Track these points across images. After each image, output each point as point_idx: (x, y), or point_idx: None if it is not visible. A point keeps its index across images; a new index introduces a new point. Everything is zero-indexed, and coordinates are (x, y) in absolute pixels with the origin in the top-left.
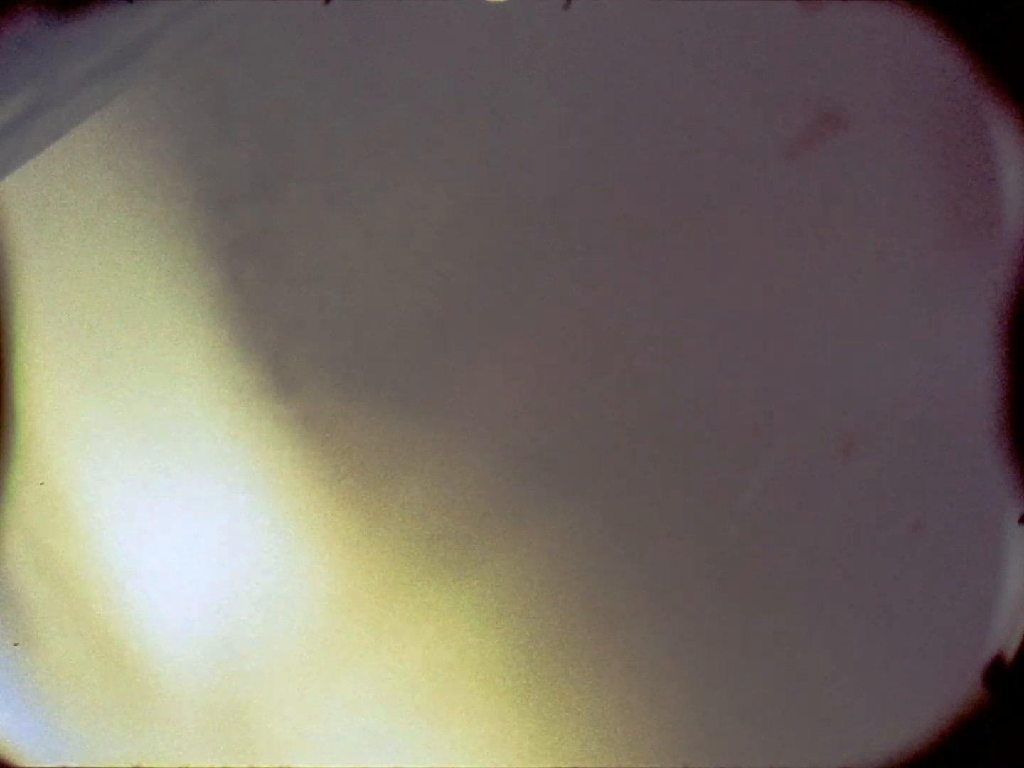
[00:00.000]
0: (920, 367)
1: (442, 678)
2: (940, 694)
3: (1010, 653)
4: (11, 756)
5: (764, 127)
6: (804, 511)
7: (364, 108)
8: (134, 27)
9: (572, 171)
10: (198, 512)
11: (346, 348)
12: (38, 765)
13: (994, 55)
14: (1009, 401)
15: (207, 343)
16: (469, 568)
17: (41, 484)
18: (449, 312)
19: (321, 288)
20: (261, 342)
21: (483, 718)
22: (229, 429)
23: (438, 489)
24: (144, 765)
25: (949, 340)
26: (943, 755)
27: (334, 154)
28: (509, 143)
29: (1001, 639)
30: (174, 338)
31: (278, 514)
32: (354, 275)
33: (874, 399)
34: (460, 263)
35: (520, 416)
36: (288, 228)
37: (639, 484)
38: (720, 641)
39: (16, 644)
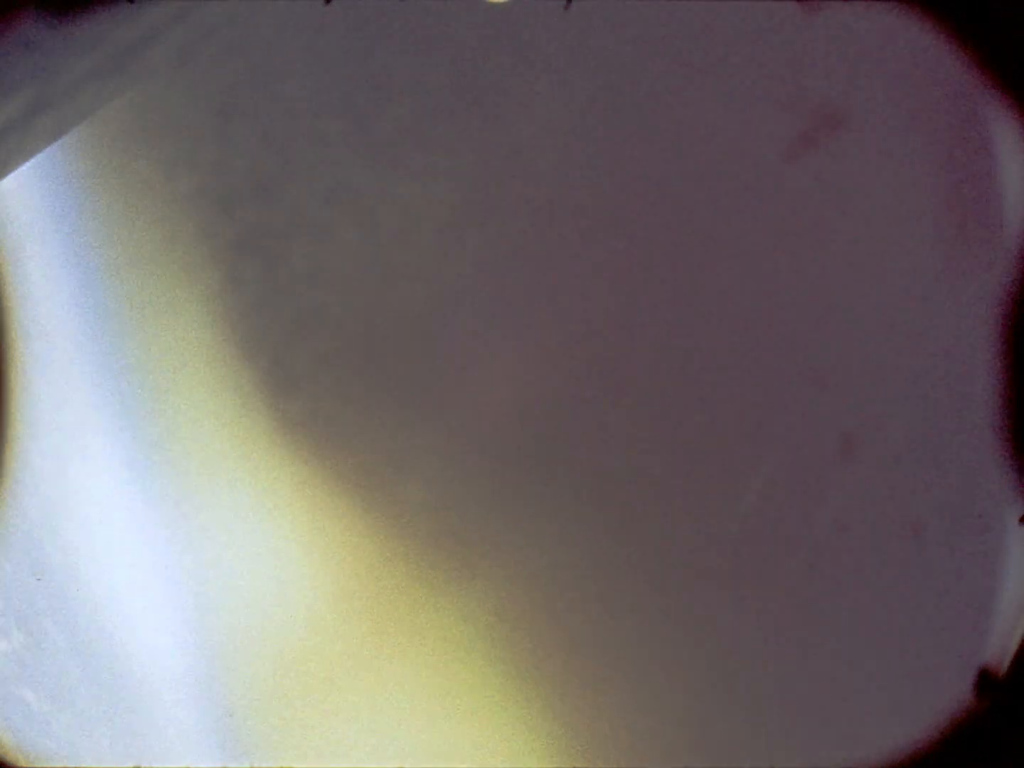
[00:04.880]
0: (920, 367)
1: (442, 677)
2: (940, 694)
3: (1010, 652)
4: (11, 756)
5: (764, 127)
6: (804, 511)
7: (364, 108)
8: (134, 27)
9: (572, 171)
10: (198, 511)
11: (346, 348)
12: (38, 765)
13: (994, 55)
14: (1009, 401)
15: (207, 343)
16: (470, 567)
17: None
18: (449, 312)
19: (321, 288)
20: (261, 342)
21: (483, 717)
22: (229, 429)
23: (438, 489)
24: (144, 765)
25: (949, 340)
26: (942, 755)
27: (334, 154)
28: (509, 143)
29: (1001, 638)
30: (174, 338)
31: (278, 513)
32: (354, 275)
33: (874, 399)
34: (460, 263)
35: (520, 416)
36: (288, 228)
37: (639, 484)
38: (720, 642)
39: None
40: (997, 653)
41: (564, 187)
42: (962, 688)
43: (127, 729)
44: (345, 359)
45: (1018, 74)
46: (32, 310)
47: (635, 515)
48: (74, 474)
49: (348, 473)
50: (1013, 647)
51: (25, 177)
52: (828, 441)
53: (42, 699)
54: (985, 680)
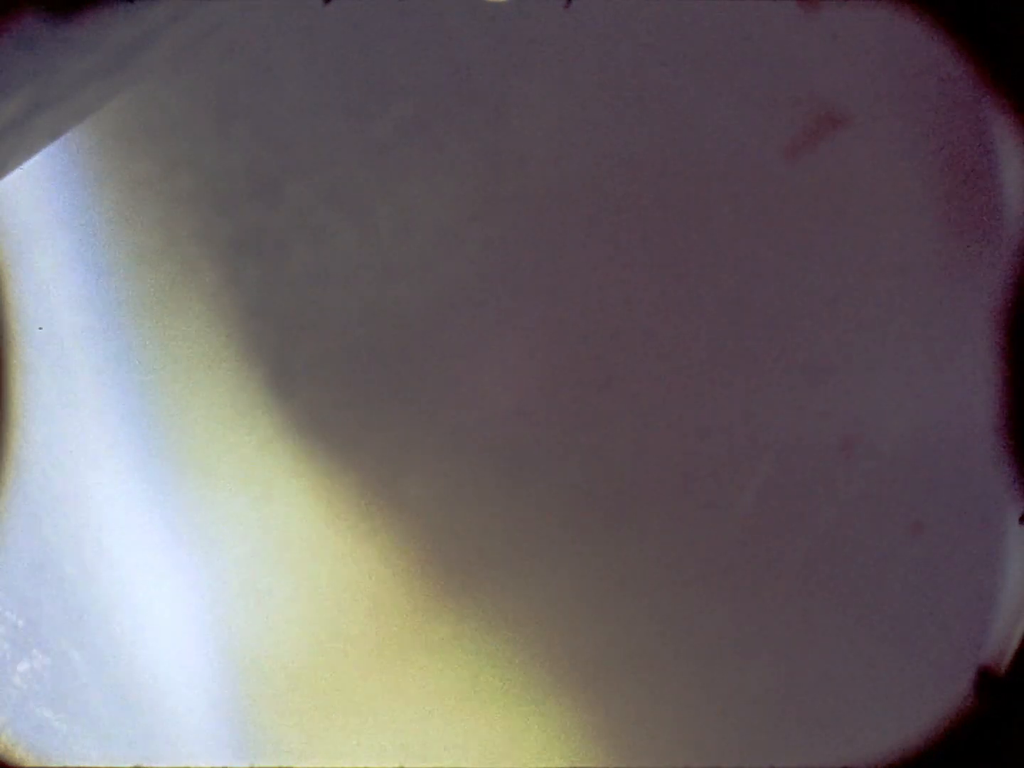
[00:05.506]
0: (920, 367)
1: (443, 677)
2: (940, 694)
3: (1010, 652)
4: (12, 756)
5: (764, 127)
6: (804, 511)
7: (364, 108)
8: (134, 27)
9: (571, 171)
10: (197, 512)
11: (346, 348)
12: (39, 765)
13: (994, 55)
14: (1009, 401)
15: (207, 342)
16: (471, 567)
17: (40, 328)
18: (449, 312)
19: (321, 288)
20: (261, 342)
21: (484, 717)
22: (229, 427)
23: (438, 489)
24: (144, 765)
25: (949, 340)
26: (942, 755)
27: (334, 154)
28: (509, 143)
29: (1001, 638)
30: (173, 337)
31: (278, 512)
32: (354, 275)
33: (874, 399)
34: (460, 263)
35: (521, 415)
36: (288, 228)
37: (639, 483)
38: (720, 641)
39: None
40: (997, 653)
41: (564, 186)
42: (962, 688)
43: (137, 732)
44: (345, 359)
45: (1018, 74)
46: (32, 309)
47: (635, 515)
48: (75, 475)
49: (348, 473)
50: (1013, 647)
51: (25, 176)
52: (828, 441)
53: (60, 715)
54: (985, 680)
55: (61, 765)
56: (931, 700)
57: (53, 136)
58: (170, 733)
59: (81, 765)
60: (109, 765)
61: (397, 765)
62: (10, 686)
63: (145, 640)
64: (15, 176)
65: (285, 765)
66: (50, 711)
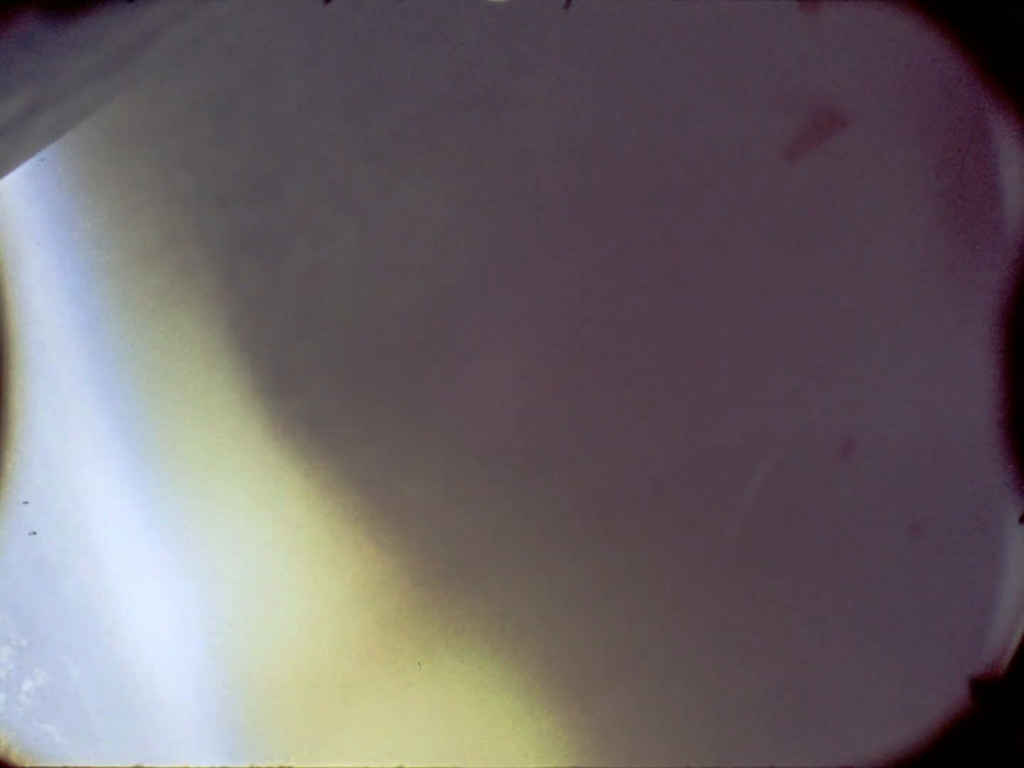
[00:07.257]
0: (920, 367)
1: (442, 677)
2: (939, 694)
3: (1010, 652)
4: (12, 756)
5: (764, 127)
6: (804, 512)
7: (364, 108)
8: (134, 27)
9: (571, 170)
10: (197, 511)
11: (346, 348)
12: (39, 765)
13: (994, 55)
14: (1009, 401)
15: (206, 342)
16: (470, 568)
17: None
18: (449, 312)
19: (321, 288)
20: (261, 342)
21: (483, 717)
22: (228, 428)
23: (438, 489)
24: (144, 765)
25: (949, 340)
26: (941, 755)
27: (334, 154)
28: (509, 143)
29: (1001, 638)
30: (173, 337)
31: (277, 513)
32: (354, 275)
33: (874, 399)
34: (460, 263)
35: (520, 416)
36: (288, 228)
37: (640, 484)
38: (720, 642)
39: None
40: (996, 653)
41: (564, 186)
42: (961, 688)
43: (127, 728)
44: (345, 359)
45: (1018, 74)
46: (31, 309)
47: (635, 515)
48: (70, 473)
49: (347, 473)
50: (1013, 647)
51: (25, 176)
52: (828, 441)
53: (43, 698)
54: (984, 680)
55: (61, 765)
56: (930, 700)
57: (53, 136)
58: (169, 739)
59: (81, 766)
60: (110, 766)
61: (397, 765)
62: (16, 704)
63: (143, 644)
64: (15, 176)
65: (285, 765)
66: (53, 726)
